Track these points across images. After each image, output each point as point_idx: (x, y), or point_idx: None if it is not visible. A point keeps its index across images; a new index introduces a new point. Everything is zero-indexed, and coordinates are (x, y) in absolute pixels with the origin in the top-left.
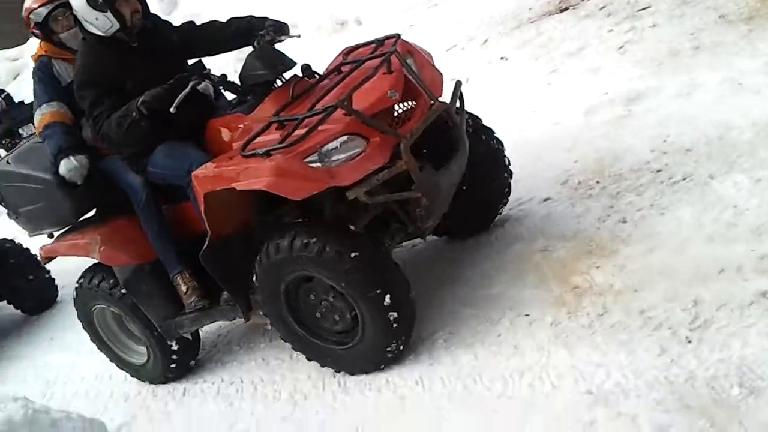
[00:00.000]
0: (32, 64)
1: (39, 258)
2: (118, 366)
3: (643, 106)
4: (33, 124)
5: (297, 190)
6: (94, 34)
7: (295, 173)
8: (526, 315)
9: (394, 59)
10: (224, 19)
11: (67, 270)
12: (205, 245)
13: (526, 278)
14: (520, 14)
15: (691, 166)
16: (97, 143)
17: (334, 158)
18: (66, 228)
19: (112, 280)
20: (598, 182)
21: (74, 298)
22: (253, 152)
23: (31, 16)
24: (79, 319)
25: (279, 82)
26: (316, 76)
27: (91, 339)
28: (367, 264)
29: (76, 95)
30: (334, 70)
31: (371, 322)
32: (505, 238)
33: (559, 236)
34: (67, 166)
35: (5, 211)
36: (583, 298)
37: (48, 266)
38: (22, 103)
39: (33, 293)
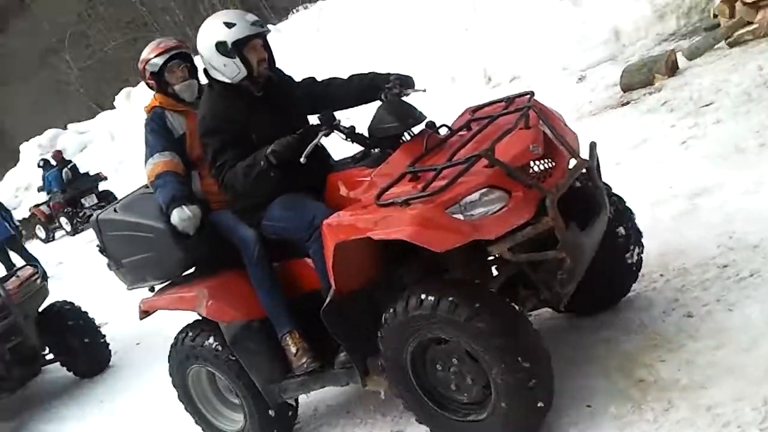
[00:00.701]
0: (99, 138)
1: (141, 312)
2: (204, 430)
3: (708, 202)
4: (145, 171)
5: (440, 241)
6: (221, 81)
7: (438, 224)
8: (588, 406)
9: (532, 114)
10: (343, 77)
11: (122, 335)
12: (328, 300)
13: (589, 369)
14: (581, 107)
15: (759, 263)
16: (207, 196)
17: (475, 211)
18: (166, 282)
19: (214, 338)
20: (662, 275)
21: (170, 355)
22: (390, 201)
23: (147, 67)
24: (170, 376)
25: (407, 136)
26: (441, 132)
27: (179, 399)
28: (507, 328)
29: (199, 141)
30: (464, 126)
31: (506, 392)
32: (568, 328)
33: (623, 328)
34: (180, 215)
35: (53, 275)
36: (648, 392)
37: (104, 330)
38: (86, 174)
39: (87, 356)
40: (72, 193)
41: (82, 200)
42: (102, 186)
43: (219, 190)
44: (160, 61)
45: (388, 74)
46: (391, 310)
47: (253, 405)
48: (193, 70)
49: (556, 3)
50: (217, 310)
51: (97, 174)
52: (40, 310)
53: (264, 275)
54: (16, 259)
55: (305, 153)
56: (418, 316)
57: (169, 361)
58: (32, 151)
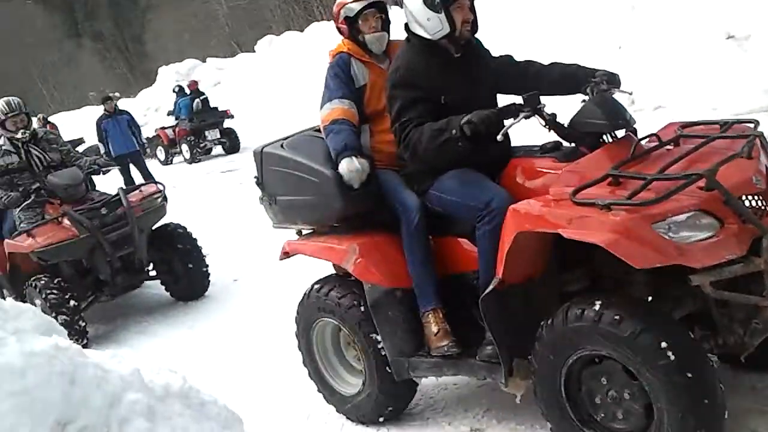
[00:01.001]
0: (234, 77)
1: (282, 252)
2: (318, 387)
3: None
4: (320, 114)
5: (642, 257)
6: (420, 36)
7: (643, 238)
8: None
9: (757, 144)
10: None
11: (221, 269)
12: (490, 288)
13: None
14: None
15: None
16: (374, 153)
17: (680, 233)
18: (312, 229)
19: (351, 296)
20: None
21: (300, 303)
22: (590, 201)
23: (343, 11)
24: (296, 324)
25: (608, 137)
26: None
27: (299, 348)
28: (688, 361)
29: (388, 93)
30: (672, 141)
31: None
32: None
33: None
34: (349, 165)
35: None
36: None
37: (208, 260)
38: (215, 109)
39: (188, 281)
40: (198, 124)
41: (206, 132)
42: (226, 123)
43: (386, 147)
44: (357, 6)
45: (593, 68)
46: (549, 321)
47: (376, 373)
48: (386, 23)
49: (720, 41)
50: (365, 269)
51: (225, 111)
52: (154, 227)
53: (419, 245)
54: (135, 175)
55: (503, 131)
56: (585, 329)
57: (298, 310)
58: (169, 77)
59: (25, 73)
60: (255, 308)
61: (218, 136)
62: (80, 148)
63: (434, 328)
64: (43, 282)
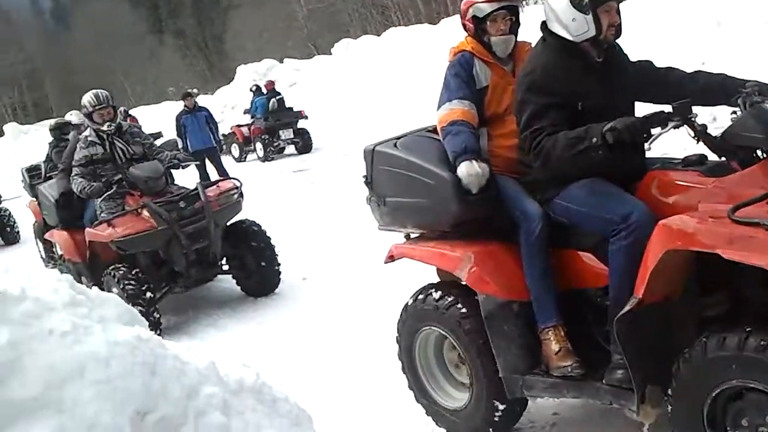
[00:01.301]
0: (310, 78)
1: (387, 256)
2: (417, 398)
3: None
4: (437, 115)
5: None
6: (559, 37)
7: None
8: None
9: None
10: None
11: (290, 267)
12: (627, 308)
13: None
14: None
15: None
16: (491, 158)
17: None
18: (420, 233)
19: (462, 307)
20: None
21: (404, 310)
22: (754, 221)
23: (472, 9)
24: (397, 331)
25: (763, 153)
26: None
27: (399, 357)
28: None
29: (520, 96)
30: None
31: None
32: None
33: None
34: (468, 169)
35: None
36: None
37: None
38: (290, 109)
39: (260, 277)
40: (273, 123)
41: (280, 132)
42: (300, 124)
43: (504, 152)
44: (488, 8)
45: (742, 79)
46: (687, 354)
47: (485, 389)
48: (514, 25)
49: None
50: (480, 279)
51: (299, 111)
52: (229, 223)
53: (539, 257)
54: (211, 171)
55: (651, 140)
56: (719, 358)
57: (401, 317)
58: (247, 75)
59: (109, 67)
60: (323, 307)
61: (292, 135)
62: (158, 142)
63: (555, 347)
64: (121, 272)
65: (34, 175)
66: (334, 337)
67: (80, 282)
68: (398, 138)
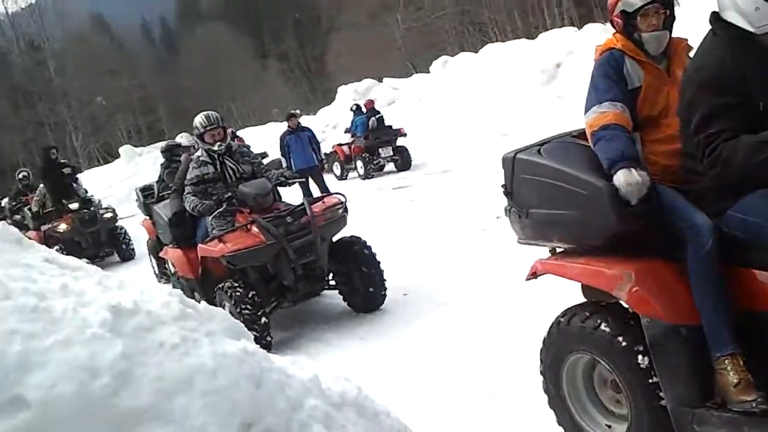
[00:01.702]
0: (408, 97)
1: (530, 272)
2: (565, 427)
3: None
4: (585, 119)
5: None
6: (736, 28)
7: None
8: None
9: None
10: None
11: (391, 283)
12: None
13: None
14: None
15: None
16: (647, 165)
17: None
18: (568, 247)
19: (619, 331)
20: None
21: (549, 333)
22: None
23: (621, 3)
24: (541, 358)
25: None
26: None
27: (544, 386)
28: None
29: (689, 96)
30: None
31: None
32: None
33: None
34: (627, 177)
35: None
36: None
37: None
38: (389, 127)
39: (366, 292)
40: (372, 141)
41: (380, 149)
42: (399, 141)
43: (660, 159)
44: (638, 2)
45: None
46: None
47: (646, 423)
48: (668, 20)
49: None
50: (641, 300)
51: (399, 129)
52: (336, 239)
53: (711, 276)
54: (314, 189)
55: None
56: None
57: (546, 340)
58: (347, 95)
59: (216, 91)
60: (425, 323)
61: (391, 153)
62: (264, 161)
63: (733, 378)
64: (238, 292)
65: (147, 195)
66: (436, 353)
67: (193, 298)
68: (541, 144)
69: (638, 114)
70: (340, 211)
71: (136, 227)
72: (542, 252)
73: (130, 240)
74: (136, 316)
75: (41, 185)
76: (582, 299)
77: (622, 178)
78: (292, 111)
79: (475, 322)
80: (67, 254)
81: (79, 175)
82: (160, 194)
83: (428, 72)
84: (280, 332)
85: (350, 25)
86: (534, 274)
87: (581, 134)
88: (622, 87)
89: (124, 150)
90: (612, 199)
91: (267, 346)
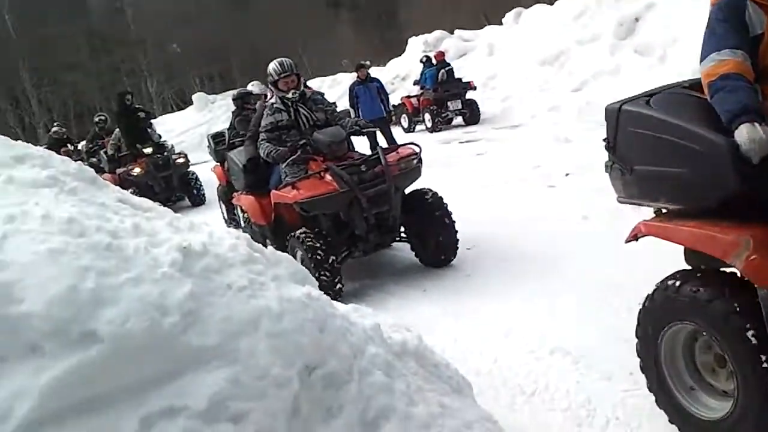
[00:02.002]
0: (479, 49)
1: (631, 234)
2: (661, 406)
3: None
4: (700, 68)
5: None
6: None
7: None
8: None
9: None
10: None
11: (458, 235)
12: None
13: None
14: None
15: None
16: None
17: None
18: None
19: (733, 301)
20: None
21: (648, 301)
22: None
23: None
24: (637, 325)
25: None
26: None
27: (638, 353)
28: None
29: None
30: None
31: None
32: None
33: None
34: (750, 133)
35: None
36: None
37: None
38: (459, 80)
39: (437, 247)
40: (441, 94)
41: (448, 103)
42: (468, 95)
43: None
44: None
45: None
46: None
47: (757, 400)
48: None
49: None
50: (761, 270)
51: (468, 82)
52: (409, 191)
53: None
54: (381, 140)
55: None
56: None
57: (645, 307)
58: (417, 47)
59: (288, 41)
60: (486, 278)
61: (459, 106)
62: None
63: None
64: (309, 239)
65: (218, 142)
66: (497, 309)
67: (264, 245)
68: (650, 95)
69: (759, 64)
70: (415, 161)
71: (207, 173)
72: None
73: (201, 185)
74: (205, 257)
75: (117, 129)
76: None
77: (744, 133)
78: (362, 62)
79: (538, 281)
80: (140, 197)
81: (153, 121)
82: (231, 141)
83: (501, 24)
84: (349, 282)
85: None
86: (635, 237)
87: (694, 85)
88: (743, 34)
89: (197, 97)
90: (732, 157)
91: (337, 294)
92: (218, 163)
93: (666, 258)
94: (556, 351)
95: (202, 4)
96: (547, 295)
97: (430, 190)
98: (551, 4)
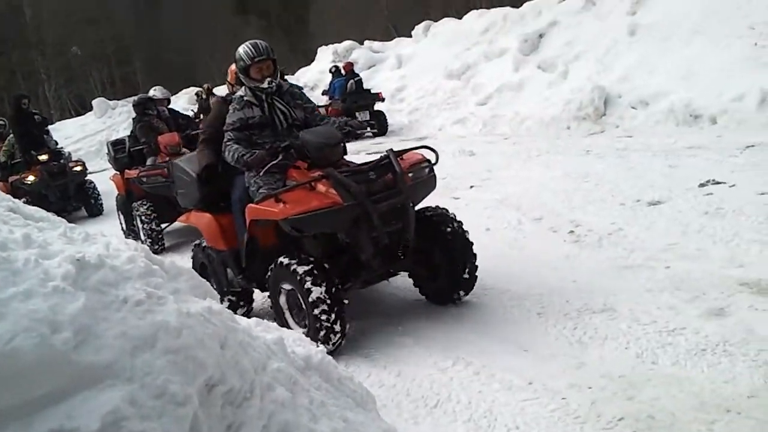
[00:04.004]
0: (388, 60)
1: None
2: None
3: None
4: None
5: None
6: None
7: None
8: None
9: None
10: None
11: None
12: None
13: None
14: None
15: None
16: None
17: None
18: None
19: None
20: None
21: None
22: None
23: None
24: None
25: None
26: None
27: None
28: None
29: None
30: None
31: None
32: None
33: None
34: None
35: None
36: None
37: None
38: (368, 91)
39: (453, 281)
40: (350, 105)
41: (357, 113)
42: (377, 106)
43: None
44: None
45: None
46: None
47: None
48: None
49: None
50: None
51: (377, 94)
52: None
53: None
54: None
55: None
56: None
57: None
58: (327, 57)
59: (195, 45)
60: (391, 288)
61: (368, 117)
62: None
63: None
64: (299, 263)
65: (119, 149)
66: (400, 320)
67: (224, 274)
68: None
69: None
70: (427, 170)
71: (106, 182)
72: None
73: (99, 195)
74: (101, 270)
75: (11, 135)
76: None
77: None
78: None
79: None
80: (33, 206)
81: (50, 127)
82: (130, 149)
83: (410, 36)
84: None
85: None
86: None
87: None
88: None
89: (98, 102)
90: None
91: (339, 342)
92: (118, 172)
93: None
94: (459, 361)
95: (106, 6)
96: (450, 306)
97: (443, 208)
98: (459, 18)
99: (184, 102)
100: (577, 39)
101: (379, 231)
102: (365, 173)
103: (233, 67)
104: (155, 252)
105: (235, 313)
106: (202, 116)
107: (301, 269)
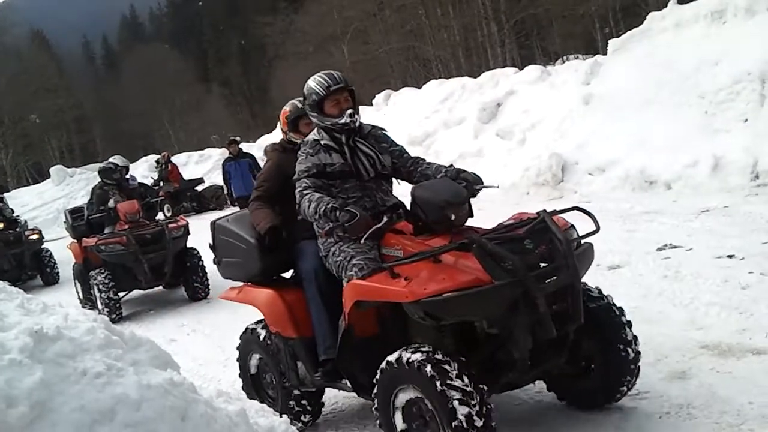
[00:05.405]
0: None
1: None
2: None
3: None
4: None
5: None
6: None
7: None
8: None
9: None
10: None
11: None
12: None
13: None
14: None
15: None
16: None
17: None
18: None
19: None
20: None
21: None
22: None
23: None
24: None
25: None
26: None
27: None
28: None
29: None
30: None
31: None
32: None
33: None
34: None
35: None
36: None
37: None
38: None
39: (614, 380)
40: None
41: None
42: None
43: None
44: None
45: None
46: None
47: None
48: None
49: None
50: None
51: None
52: None
53: None
54: None
55: None
56: None
57: None
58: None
59: (155, 113)
60: None
61: None
62: (199, 188)
63: None
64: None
65: (77, 217)
66: None
67: (295, 368)
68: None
69: None
70: (577, 239)
71: (62, 250)
72: None
73: (55, 263)
74: (59, 342)
75: None
76: None
77: None
78: (233, 137)
79: None
80: None
81: (6, 194)
82: (89, 217)
83: (371, 105)
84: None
85: (295, 54)
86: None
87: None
88: None
89: (55, 170)
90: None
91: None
92: (75, 240)
93: None
94: None
95: (64, 75)
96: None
97: (599, 290)
98: (419, 88)
99: (143, 170)
100: (534, 108)
101: (544, 320)
102: (519, 242)
103: (287, 108)
104: (113, 321)
105: (300, 423)
106: (161, 183)
107: (441, 373)
